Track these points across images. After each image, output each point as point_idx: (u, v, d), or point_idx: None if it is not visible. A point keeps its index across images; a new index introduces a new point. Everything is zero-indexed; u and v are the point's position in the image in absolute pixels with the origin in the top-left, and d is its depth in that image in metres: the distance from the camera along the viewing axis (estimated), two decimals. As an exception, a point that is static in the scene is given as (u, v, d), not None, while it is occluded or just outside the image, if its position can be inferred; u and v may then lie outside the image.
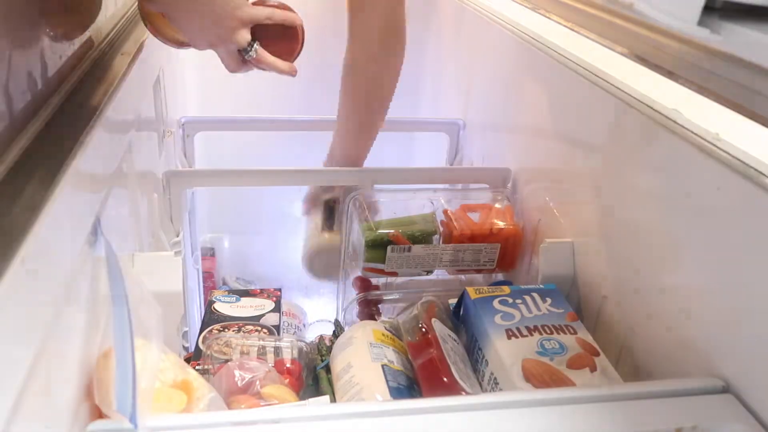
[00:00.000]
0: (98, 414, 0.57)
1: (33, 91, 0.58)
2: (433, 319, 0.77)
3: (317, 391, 0.90)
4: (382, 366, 0.73)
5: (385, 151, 1.59)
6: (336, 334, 0.97)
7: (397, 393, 0.70)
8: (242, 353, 0.84)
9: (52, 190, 0.50)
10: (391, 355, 0.76)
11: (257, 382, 0.76)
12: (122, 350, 0.50)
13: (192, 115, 1.27)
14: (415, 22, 1.58)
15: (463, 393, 0.68)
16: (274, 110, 1.42)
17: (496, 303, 0.80)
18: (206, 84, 1.50)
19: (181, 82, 1.42)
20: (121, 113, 0.73)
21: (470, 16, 1.35)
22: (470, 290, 0.82)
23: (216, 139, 1.46)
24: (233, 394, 0.75)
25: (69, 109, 0.65)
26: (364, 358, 0.75)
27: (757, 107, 0.63)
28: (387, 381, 0.71)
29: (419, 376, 0.73)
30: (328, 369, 0.91)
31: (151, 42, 0.97)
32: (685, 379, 0.62)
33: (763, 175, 0.60)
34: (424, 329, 0.76)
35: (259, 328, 0.97)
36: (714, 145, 0.67)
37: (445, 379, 0.69)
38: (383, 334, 0.80)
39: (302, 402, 0.76)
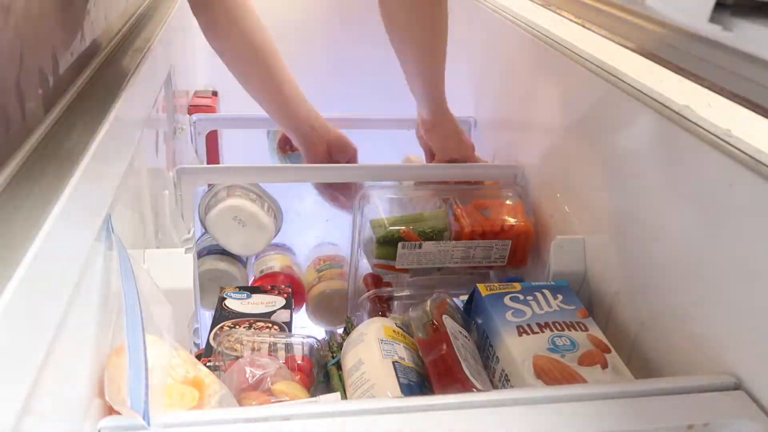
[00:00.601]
0: (109, 411, 0.57)
1: (44, 88, 0.59)
2: (444, 316, 0.77)
3: (328, 388, 0.90)
4: (393, 363, 0.73)
5: (394, 148, 1.59)
6: (347, 331, 0.97)
7: (408, 390, 0.70)
8: (253, 350, 0.84)
9: (64, 186, 0.50)
10: (402, 352, 0.76)
11: (268, 379, 0.76)
12: (135, 347, 0.51)
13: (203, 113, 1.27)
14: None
15: (474, 390, 0.68)
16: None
17: (507, 300, 0.79)
18: (217, 82, 1.50)
19: (192, 79, 1.43)
20: (132, 110, 0.73)
21: (483, 13, 1.35)
22: (481, 287, 0.82)
23: (227, 137, 1.46)
24: (244, 391, 0.75)
25: (80, 105, 0.65)
26: (375, 354, 0.75)
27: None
28: (398, 378, 0.71)
29: (430, 373, 0.73)
30: (339, 366, 0.91)
31: (163, 38, 0.98)
32: (697, 376, 0.62)
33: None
34: (435, 326, 0.76)
35: (270, 325, 0.97)
36: (726, 141, 0.66)
37: (456, 376, 0.69)
38: (394, 331, 0.80)
39: (313, 399, 0.76)
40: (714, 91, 0.68)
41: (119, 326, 0.61)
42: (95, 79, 0.73)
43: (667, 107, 0.74)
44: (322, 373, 0.91)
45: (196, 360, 0.62)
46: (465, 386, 0.69)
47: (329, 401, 0.72)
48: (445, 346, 0.72)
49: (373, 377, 0.72)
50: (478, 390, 0.68)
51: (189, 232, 1.07)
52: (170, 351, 0.58)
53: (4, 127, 0.49)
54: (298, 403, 0.70)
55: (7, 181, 0.48)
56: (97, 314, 0.58)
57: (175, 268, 0.81)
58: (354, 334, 0.81)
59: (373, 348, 0.76)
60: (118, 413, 0.55)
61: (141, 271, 0.61)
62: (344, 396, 0.77)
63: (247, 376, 0.77)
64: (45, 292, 0.44)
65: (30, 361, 0.41)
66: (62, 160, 0.53)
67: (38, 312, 0.43)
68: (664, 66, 0.77)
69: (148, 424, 0.48)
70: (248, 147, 1.50)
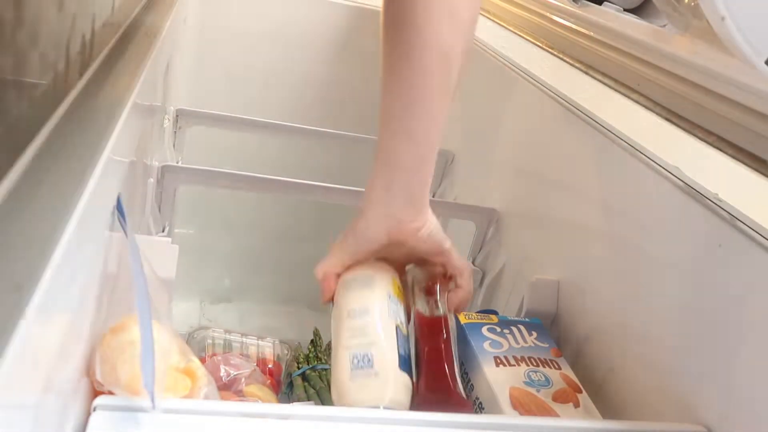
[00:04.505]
0: (93, 390, 0.56)
1: (83, 52, 0.58)
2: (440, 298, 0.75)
3: (290, 398, 0.90)
4: (396, 327, 0.69)
5: (366, 172, 1.60)
6: (315, 343, 0.97)
7: (403, 364, 0.66)
8: (225, 350, 0.84)
9: (92, 169, 0.50)
10: (402, 316, 0.72)
11: (242, 380, 0.76)
12: (145, 331, 0.50)
13: (187, 107, 1.26)
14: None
15: (458, 397, 0.68)
16: (264, 115, 1.42)
17: (485, 330, 0.81)
18: (201, 77, 1.49)
19: (179, 71, 1.42)
20: (145, 96, 0.73)
21: (473, 51, 1.38)
22: (460, 315, 0.83)
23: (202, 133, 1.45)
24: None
25: (96, 88, 0.64)
26: (383, 309, 0.69)
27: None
28: (398, 346, 0.67)
29: (422, 359, 0.70)
30: (304, 377, 0.91)
31: (171, 25, 0.97)
32: (672, 423, 0.64)
33: (763, 236, 0.64)
34: (436, 303, 0.73)
35: (237, 328, 0.97)
36: (715, 203, 0.70)
37: (444, 379, 0.68)
38: (399, 288, 0.74)
39: (287, 405, 0.76)
40: (714, 146, 0.71)
41: (115, 306, 0.60)
42: (112, 59, 0.72)
43: (655, 163, 0.77)
44: (287, 382, 0.91)
45: (189, 349, 0.61)
46: (453, 394, 0.68)
47: (315, 406, 0.72)
48: (445, 334, 0.71)
49: (375, 336, 0.67)
50: (462, 398, 0.68)
51: (164, 231, 1.06)
52: (169, 337, 0.57)
53: (52, 82, 0.48)
54: (298, 405, 0.69)
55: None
56: (95, 294, 0.57)
57: (160, 257, 0.80)
58: (361, 272, 0.73)
59: (383, 301, 0.70)
60: (102, 393, 0.54)
61: (143, 256, 0.61)
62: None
63: (222, 374, 0.76)
64: (72, 275, 0.44)
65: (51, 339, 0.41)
66: (89, 138, 0.53)
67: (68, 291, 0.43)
68: (659, 115, 0.80)
69: (154, 407, 0.48)
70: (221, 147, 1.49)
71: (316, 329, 1.02)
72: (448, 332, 0.72)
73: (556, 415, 0.70)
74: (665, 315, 0.73)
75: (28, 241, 0.39)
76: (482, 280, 1.15)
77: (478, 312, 0.86)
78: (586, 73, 0.94)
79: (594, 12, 0.91)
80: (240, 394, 0.75)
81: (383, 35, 0.69)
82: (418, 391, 0.67)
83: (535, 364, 0.77)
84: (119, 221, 0.61)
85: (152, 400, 0.48)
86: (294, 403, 0.76)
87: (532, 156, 1.08)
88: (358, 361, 0.64)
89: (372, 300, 0.70)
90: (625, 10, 0.91)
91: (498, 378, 0.74)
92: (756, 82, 0.60)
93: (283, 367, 0.87)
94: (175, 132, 1.26)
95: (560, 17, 1.01)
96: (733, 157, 0.68)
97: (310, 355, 0.95)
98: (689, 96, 0.74)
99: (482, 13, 1.36)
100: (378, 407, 0.60)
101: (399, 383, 0.64)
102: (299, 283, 1.66)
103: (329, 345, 1.02)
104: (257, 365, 0.83)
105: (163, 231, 1.06)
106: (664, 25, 0.82)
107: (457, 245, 1.21)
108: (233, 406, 0.53)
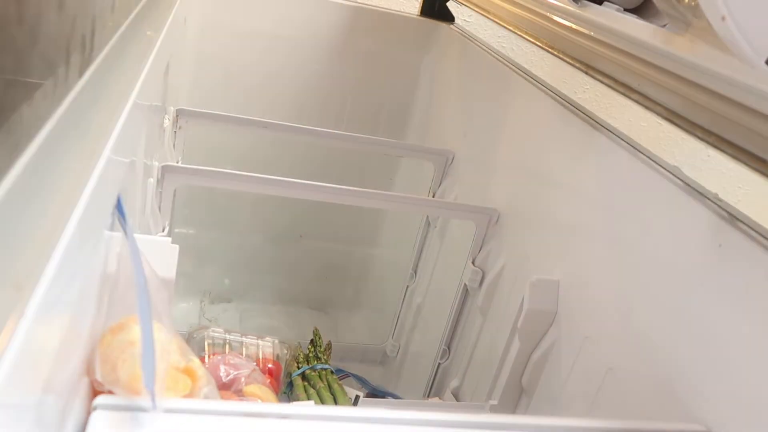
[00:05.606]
0: (93, 390, 0.56)
1: (83, 53, 0.58)
2: None
3: (290, 397, 0.90)
4: None
5: (366, 171, 1.61)
6: (315, 343, 0.97)
7: None
8: (225, 350, 0.84)
9: (92, 169, 0.49)
10: None
11: (242, 380, 0.76)
12: (145, 330, 0.50)
13: (187, 107, 1.26)
14: (415, 50, 1.61)
15: None
16: (264, 115, 1.42)
17: None
18: (201, 77, 1.49)
19: (179, 71, 1.42)
20: (145, 96, 0.73)
21: (473, 51, 1.38)
22: None
23: (202, 133, 1.45)
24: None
25: (96, 88, 0.64)
26: None
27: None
28: None
29: None
30: (304, 376, 0.91)
31: (171, 25, 0.97)
32: (672, 423, 0.64)
33: (763, 236, 0.64)
34: None
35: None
36: (715, 203, 0.70)
37: None
38: None
39: (287, 404, 0.76)
40: (714, 146, 0.71)
41: (115, 306, 0.60)
42: (111, 58, 0.72)
43: (656, 163, 0.78)
44: (287, 382, 0.91)
45: (188, 349, 0.61)
46: None
47: (315, 406, 0.72)
48: None
49: None
50: None
51: (164, 231, 1.06)
52: (168, 336, 0.57)
53: (52, 82, 0.48)
54: (297, 404, 0.69)
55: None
56: (95, 294, 0.57)
57: (160, 257, 0.80)
58: None
59: None
60: (102, 392, 0.54)
61: (143, 256, 0.61)
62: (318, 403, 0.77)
63: (221, 374, 0.76)
64: (72, 275, 0.44)
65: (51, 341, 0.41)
66: (94, 133, 0.53)
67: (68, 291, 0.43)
68: (659, 115, 0.80)
69: (154, 407, 0.48)
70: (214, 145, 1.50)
71: (316, 329, 1.02)
72: None
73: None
74: (665, 315, 0.73)
75: (28, 241, 0.39)
76: (482, 280, 1.15)
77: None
78: (586, 73, 0.94)
79: (594, 12, 0.90)
80: (240, 394, 0.75)
81: None
82: None
83: None
84: (119, 221, 0.61)
85: (152, 400, 0.48)
86: (294, 403, 0.76)
87: (532, 156, 1.08)
88: None
89: None
90: (625, 10, 0.91)
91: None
92: (756, 82, 0.60)
93: (283, 367, 0.87)
94: (175, 132, 1.25)
95: (560, 17, 1.01)
96: (733, 157, 0.68)
97: (310, 355, 0.95)
98: (689, 96, 0.74)
99: (482, 13, 1.36)
100: None
101: None
102: (299, 283, 1.67)
103: (329, 345, 1.04)
104: (257, 365, 0.83)
105: (163, 231, 1.06)
106: (664, 25, 0.82)
107: (457, 245, 1.22)
108: (233, 405, 0.53)
